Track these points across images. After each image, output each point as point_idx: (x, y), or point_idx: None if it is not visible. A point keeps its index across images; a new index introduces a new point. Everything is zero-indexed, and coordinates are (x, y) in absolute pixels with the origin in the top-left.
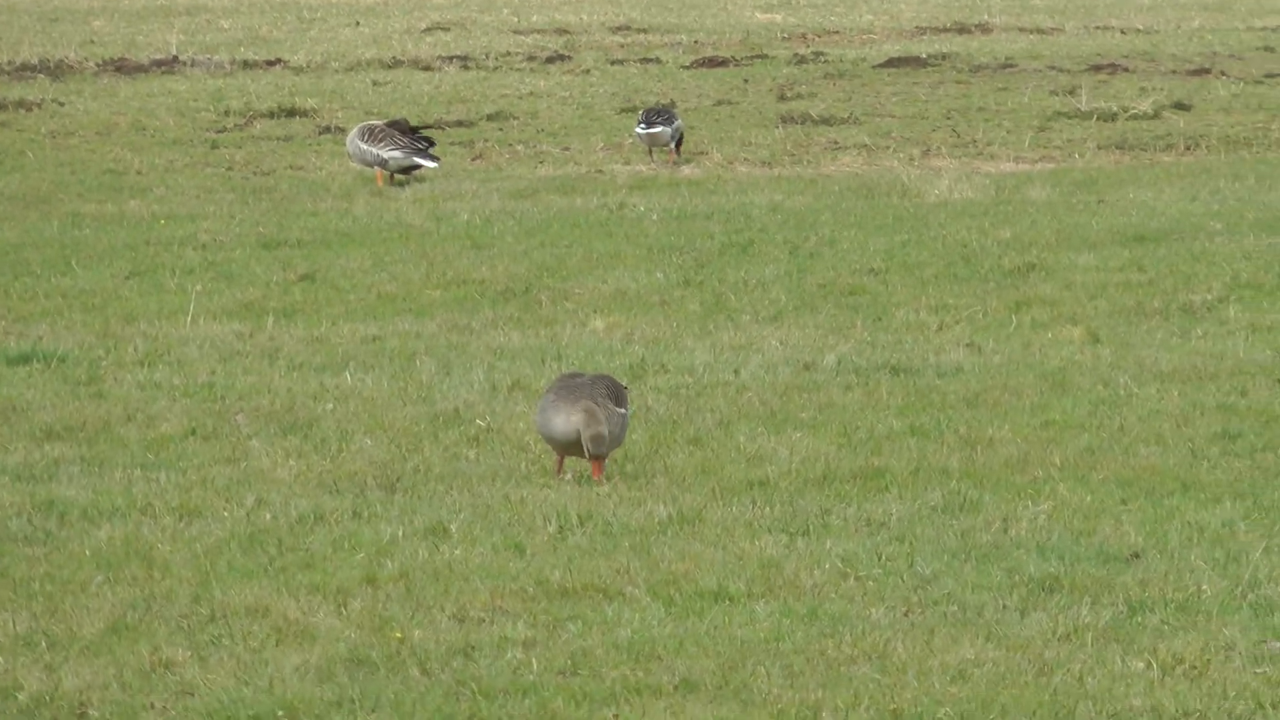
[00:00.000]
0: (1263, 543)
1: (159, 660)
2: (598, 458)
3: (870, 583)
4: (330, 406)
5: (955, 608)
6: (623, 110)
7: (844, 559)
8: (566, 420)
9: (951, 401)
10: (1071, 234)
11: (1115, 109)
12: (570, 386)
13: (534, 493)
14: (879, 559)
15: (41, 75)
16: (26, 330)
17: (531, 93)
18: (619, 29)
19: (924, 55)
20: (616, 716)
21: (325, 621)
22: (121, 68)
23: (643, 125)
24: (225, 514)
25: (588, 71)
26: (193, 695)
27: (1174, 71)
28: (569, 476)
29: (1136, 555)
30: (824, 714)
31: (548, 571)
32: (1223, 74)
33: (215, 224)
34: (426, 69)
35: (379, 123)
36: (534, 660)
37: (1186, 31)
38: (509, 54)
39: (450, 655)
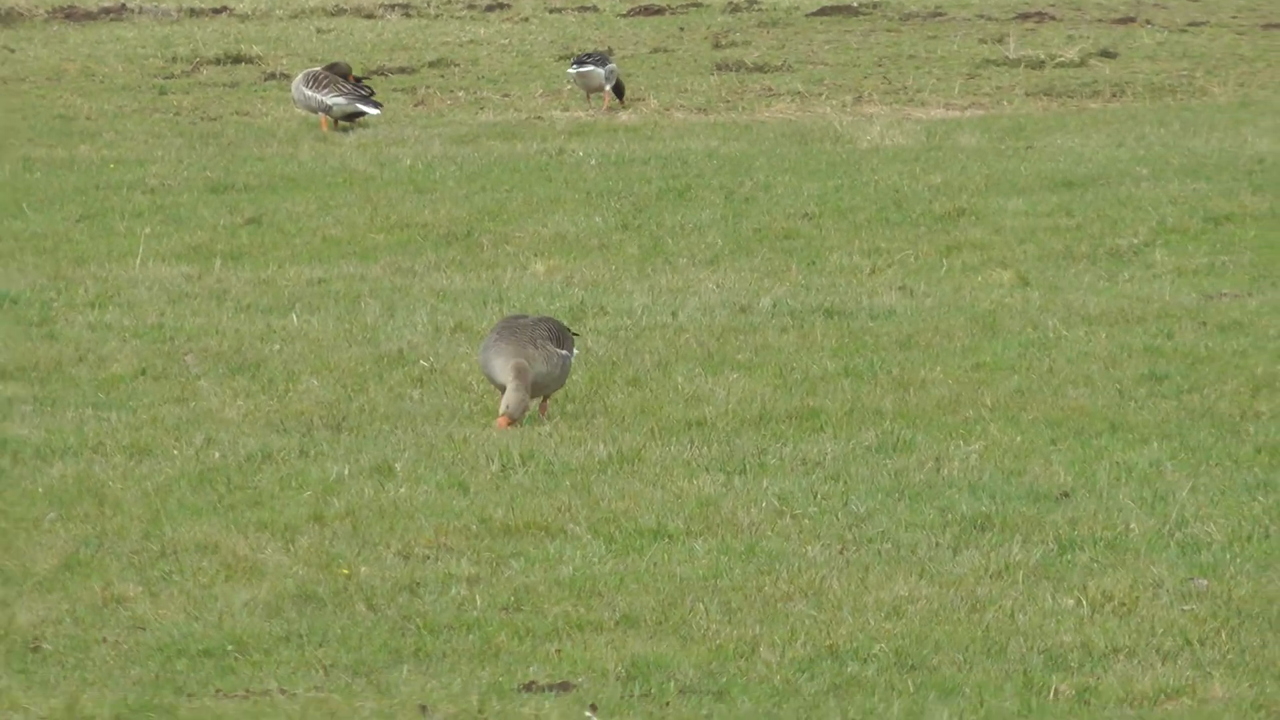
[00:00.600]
0: (1189, 482)
1: (111, 595)
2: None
3: (806, 521)
4: (277, 347)
5: (889, 545)
6: (561, 58)
7: (780, 498)
8: (503, 367)
9: (884, 344)
10: (1001, 180)
11: (1042, 57)
12: (513, 328)
13: (477, 432)
14: (814, 498)
15: None
16: None
17: (472, 40)
18: None
19: (855, 4)
20: (559, 651)
21: (273, 558)
22: (71, 15)
23: (574, 65)
24: (175, 453)
25: (527, 20)
26: (144, 630)
27: (1100, 20)
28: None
29: (1066, 494)
30: (761, 649)
31: (491, 510)
32: (1148, 22)
33: (163, 168)
34: (369, 16)
35: (322, 69)
36: (478, 596)
37: None
38: (450, 2)
39: (396, 591)
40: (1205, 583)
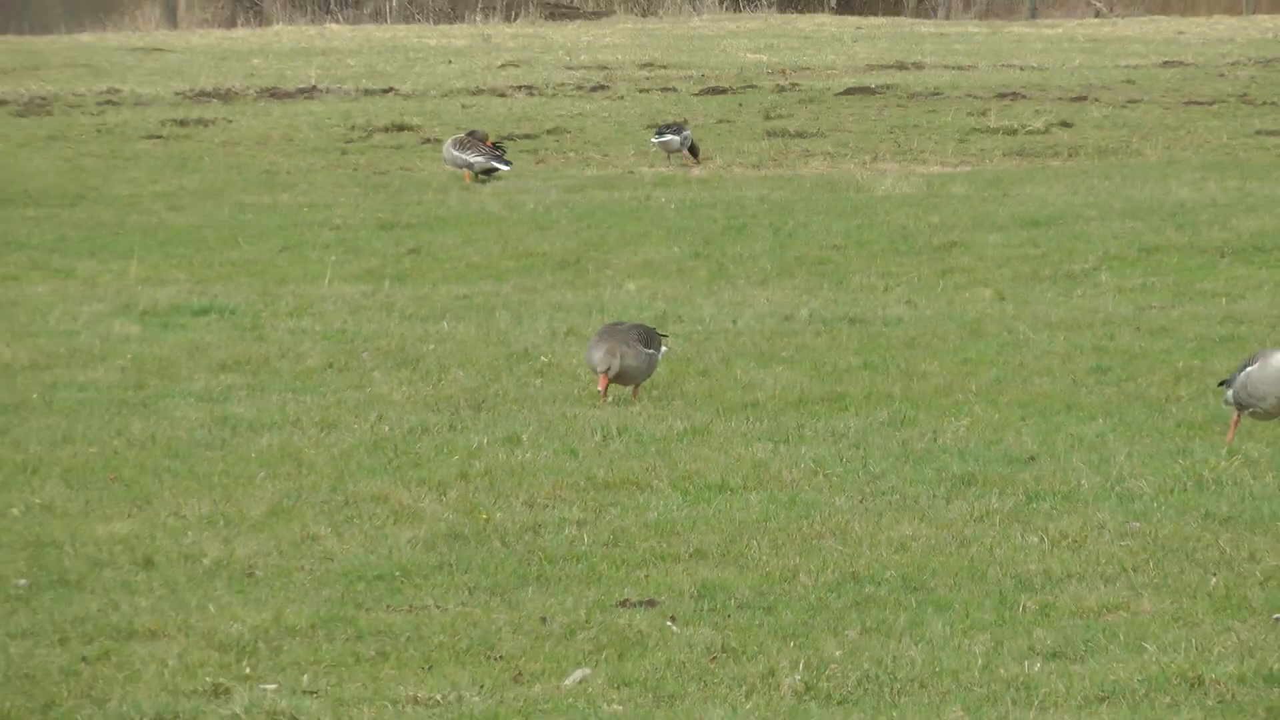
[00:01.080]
0: (1126, 449)
1: (306, 534)
2: (620, 382)
3: (834, 478)
4: (432, 347)
5: (897, 497)
6: (648, 126)
7: (815, 460)
8: (601, 356)
9: (894, 344)
10: (983, 219)
11: (1015, 126)
12: (610, 331)
13: (584, 411)
14: (841, 461)
15: (215, 100)
16: (206, 290)
17: (580, 114)
18: (645, 65)
19: (873, 86)
20: (646, 577)
21: (430, 506)
22: (274, 94)
23: (656, 135)
24: (355, 426)
25: (622, 98)
26: (332, 560)
27: (1060, 98)
28: (610, 400)
29: (1032, 458)
30: (800, 575)
31: (594, 470)
32: (1096, 100)
33: (345, 211)
34: (502, 95)
35: (465, 135)
36: (585, 535)
37: (1069, 68)
38: (563, 84)
39: (522, 531)
40: (1138, 525)
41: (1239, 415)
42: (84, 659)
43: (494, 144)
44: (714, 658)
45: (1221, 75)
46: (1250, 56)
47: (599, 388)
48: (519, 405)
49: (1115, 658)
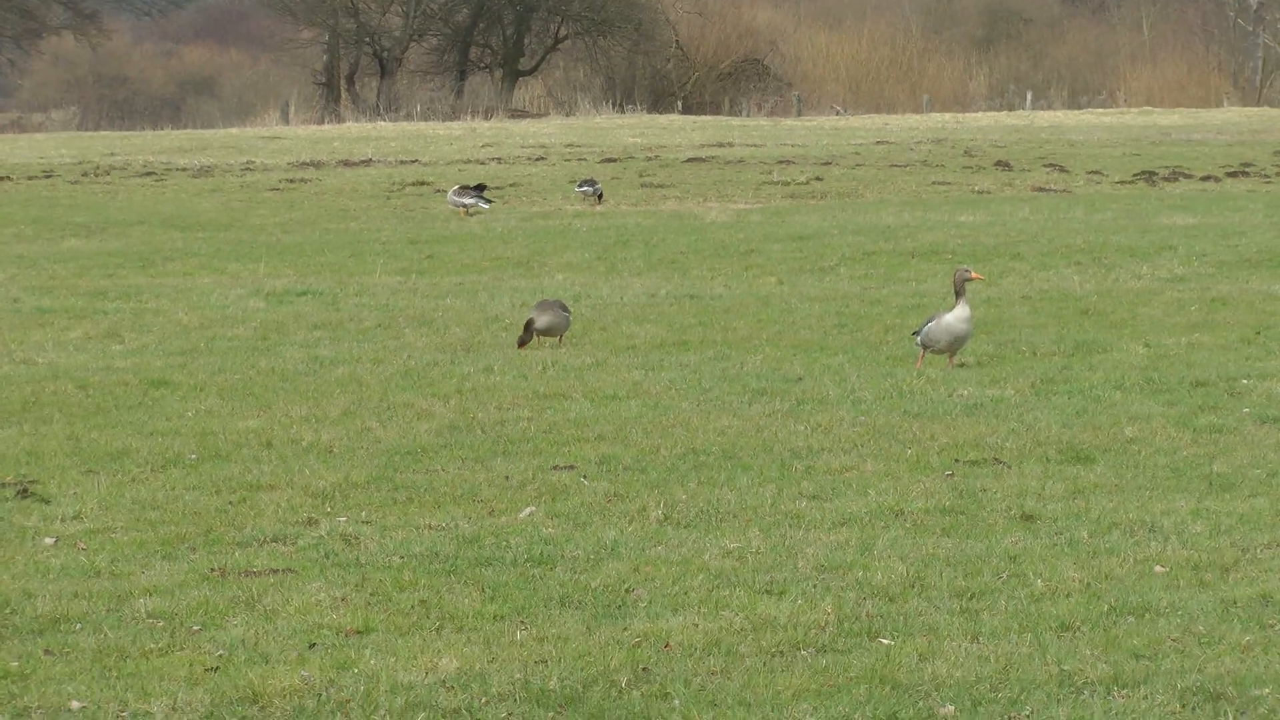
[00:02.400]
0: (856, 372)
1: (364, 426)
2: (550, 334)
3: (681, 391)
4: (440, 313)
5: (719, 402)
6: (570, 181)
7: (669, 381)
8: (539, 313)
9: (717, 311)
10: (770, 235)
11: (789, 180)
12: (543, 302)
13: (530, 352)
14: (685, 381)
15: (311, 167)
16: (304, 280)
17: (529, 174)
18: (568, 145)
19: (704, 156)
20: (569, 451)
21: (438, 409)
22: (347, 164)
23: (578, 185)
24: (393, 361)
25: (553, 165)
26: (379, 442)
27: (815, 163)
28: (540, 345)
29: (800, 378)
30: (661, 450)
31: (538, 386)
32: (837, 164)
33: (388, 233)
34: (482, 163)
35: (461, 186)
36: (531, 426)
37: (821, 145)
38: (518, 157)
39: (494, 424)
40: (864, 418)
41: (924, 353)
42: (230, 502)
43: (481, 189)
44: (609, 500)
45: (911, 149)
46: (929, 138)
47: (528, 331)
48: (493, 349)
49: (850, 499)
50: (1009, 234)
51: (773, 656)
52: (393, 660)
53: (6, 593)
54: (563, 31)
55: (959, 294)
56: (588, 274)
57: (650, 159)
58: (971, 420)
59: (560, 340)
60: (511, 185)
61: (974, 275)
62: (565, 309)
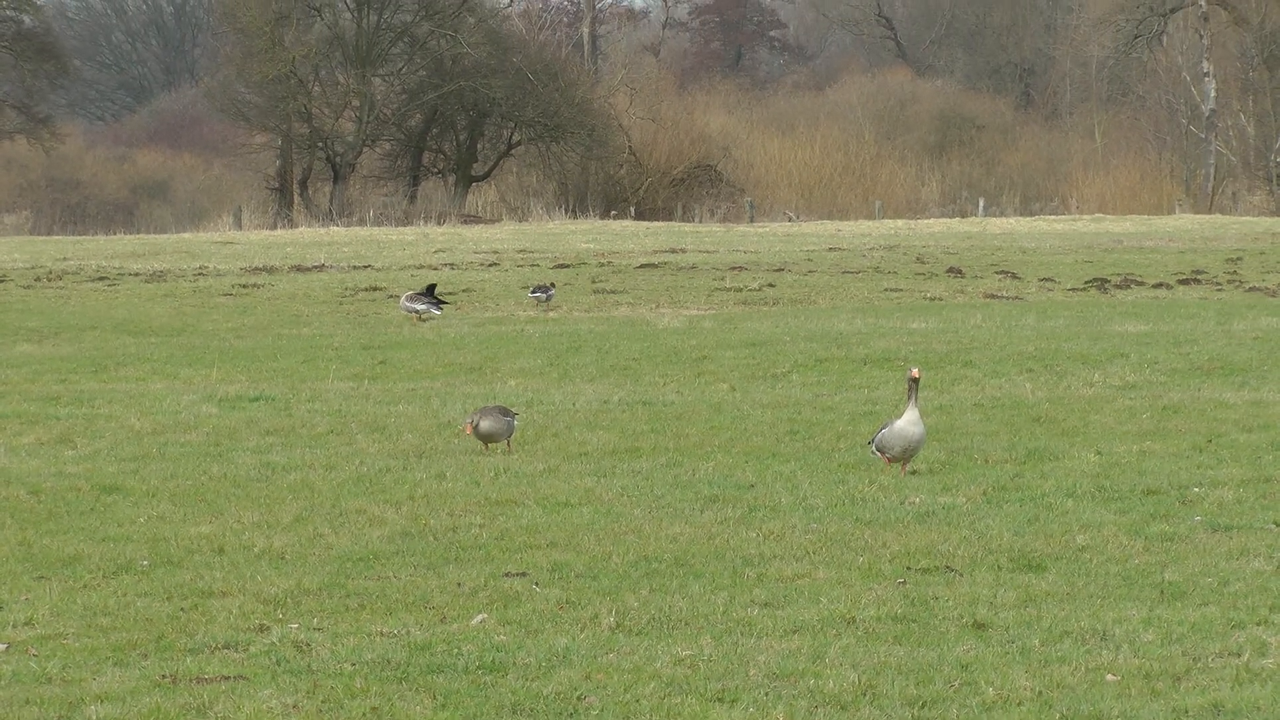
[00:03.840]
0: (808, 479)
1: (316, 533)
2: (492, 439)
3: (633, 498)
4: (393, 420)
5: (671, 509)
6: (523, 287)
7: (621, 488)
8: (481, 418)
9: (669, 417)
10: (722, 342)
11: (741, 286)
12: (486, 408)
13: (482, 458)
14: (637, 488)
15: (264, 272)
16: (256, 386)
17: (481, 280)
18: (520, 251)
19: (656, 262)
20: (521, 558)
21: (390, 515)
22: (299, 269)
23: (532, 291)
24: (346, 467)
25: (506, 270)
26: (331, 548)
27: (767, 269)
28: (486, 449)
29: (752, 485)
30: (613, 557)
31: (489, 493)
32: (789, 270)
33: (341, 338)
34: (434, 269)
35: (414, 291)
36: (483, 533)
37: (773, 252)
38: (471, 262)
39: (446, 531)
40: (816, 526)
41: (885, 458)
42: (182, 609)
43: (431, 286)
44: (561, 607)
45: (864, 256)
46: (881, 245)
47: (466, 431)
48: (445, 455)
49: (802, 606)
50: (961, 341)
51: None
52: None
53: None
54: (516, 137)
55: (909, 397)
56: (540, 380)
57: (603, 265)
58: (923, 528)
59: (509, 446)
60: (465, 290)
61: (914, 372)
62: (507, 414)
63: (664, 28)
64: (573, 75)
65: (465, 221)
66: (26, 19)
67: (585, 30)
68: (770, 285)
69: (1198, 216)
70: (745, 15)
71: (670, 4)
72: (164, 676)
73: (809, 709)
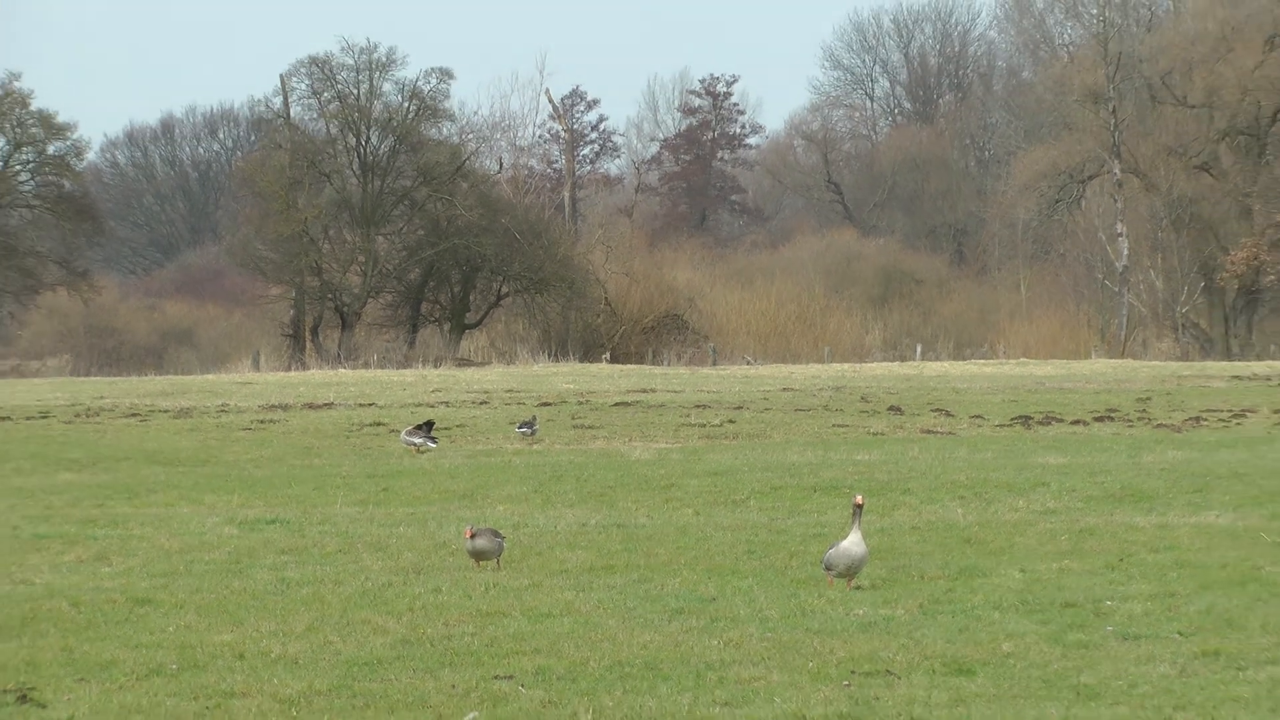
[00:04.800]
0: (764, 593)
1: (326, 640)
2: (484, 558)
3: (608, 610)
4: (394, 540)
5: (642, 619)
6: (510, 422)
7: (598, 601)
8: (475, 538)
9: (640, 538)
10: (689, 472)
11: (705, 422)
12: (480, 529)
13: (475, 574)
14: (611, 601)
15: (279, 409)
16: (272, 510)
17: (473, 416)
18: (508, 390)
19: (629, 401)
20: (508, 662)
21: (392, 625)
22: (311, 406)
23: (519, 427)
24: (352, 582)
25: (495, 408)
26: (340, 654)
27: (728, 407)
28: (482, 566)
29: (714, 599)
30: (590, 662)
31: (480, 605)
32: (748, 408)
33: (348, 468)
34: (431, 406)
35: (413, 427)
36: (475, 640)
37: (733, 391)
38: (464, 401)
39: (441, 639)
40: (770, 635)
41: (830, 576)
42: (206, 708)
43: (430, 429)
44: (544, 706)
45: (814, 395)
46: (830, 385)
47: (466, 534)
48: (441, 571)
49: (758, 706)
50: (900, 471)
51: None
52: None
53: None
54: (504, 290)
55: (854, 521)
56: (525, 505)
57: (581, 403)
58: (866, 636)
59: (498, 563)
60: (458, 426)
61: (858, 499)
62: (498, 535)
63: (636, 192)
64: (555, 234)
65: (459, 364)
66: (67, 183)
67: (566, 194)
68: (731, 421)
69: (1112, 361)
70: (709, 181)
71: (641, 172)
72: None
73: None
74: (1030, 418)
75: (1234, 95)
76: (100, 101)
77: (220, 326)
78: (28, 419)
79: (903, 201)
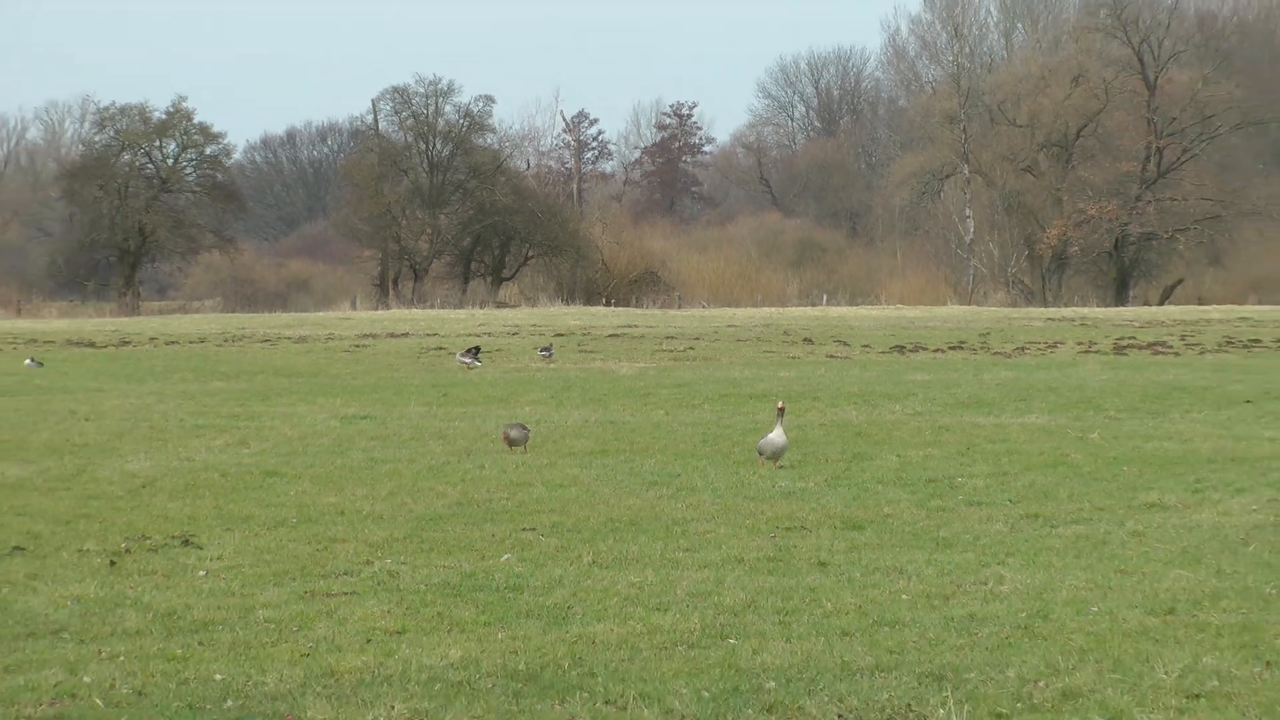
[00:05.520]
0: (714, 470)
1: (398, 495)
2: (517, 444)
3: (612, 477)
4: (451, 431)
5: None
6: (535, 349)
7: (600, 472)
8: (509, 428)
9: (626, 430)
10: (660, 383)
11: (674, 349)
12: (512, 423)
13: (510, 456)
14: (604, 475)
15: (369, 338)
16: (364, 409)
17: (507, 343)
18: (531, 325)
19: (620, 333)
20: (534, 516)
21: (449, 491)
22: (392, 335)
23: (540, 350)
24: (419, 459)
25: (524, 337)
26: (413, 511)
27: (690, 338)
28: (513, 452)
29: (678, 474)
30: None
31: (514, 476)
32: (703, 340)
33: (418, 380)
34: (477, 335)
35: (466, 350)
36: (510, 501)
37: (693, 327)
38: (500, 332)
39: (484, 501)
40: (719, 500)
41: (761, 459)
42: (317, 549)
43: (475, 348)
44: (558, 549)
45: (750, 330)
46: (760, 324)
47: (502, 437)
48: (484, 454)
49: (710, 551)
50: (811, 384)
51: (660, 650)
52: (419, 650)
53: (174, 606)
54: (529, 253)
55: (778, 420)
56: (544, 407)
57: (585, 334)
58: (787, 501)
59: (525, 448)
60: (496, 350)
61: (780, 405)
62: (525, 428)
63: (624, 185)
64: (566, 214)
65: (497, 306)
66: (219, 175)
67: (574, 186)
68: (690, 348)
69: (961, 307)
70: (676, 178)
71: (628, 170)
72: (305, 592)
73: (714, 615)
74: (904, 346)
75: (1049, 118)
76: (244, 115)
77: (328, 278)
78: (190, 343)
79: (814, 192)
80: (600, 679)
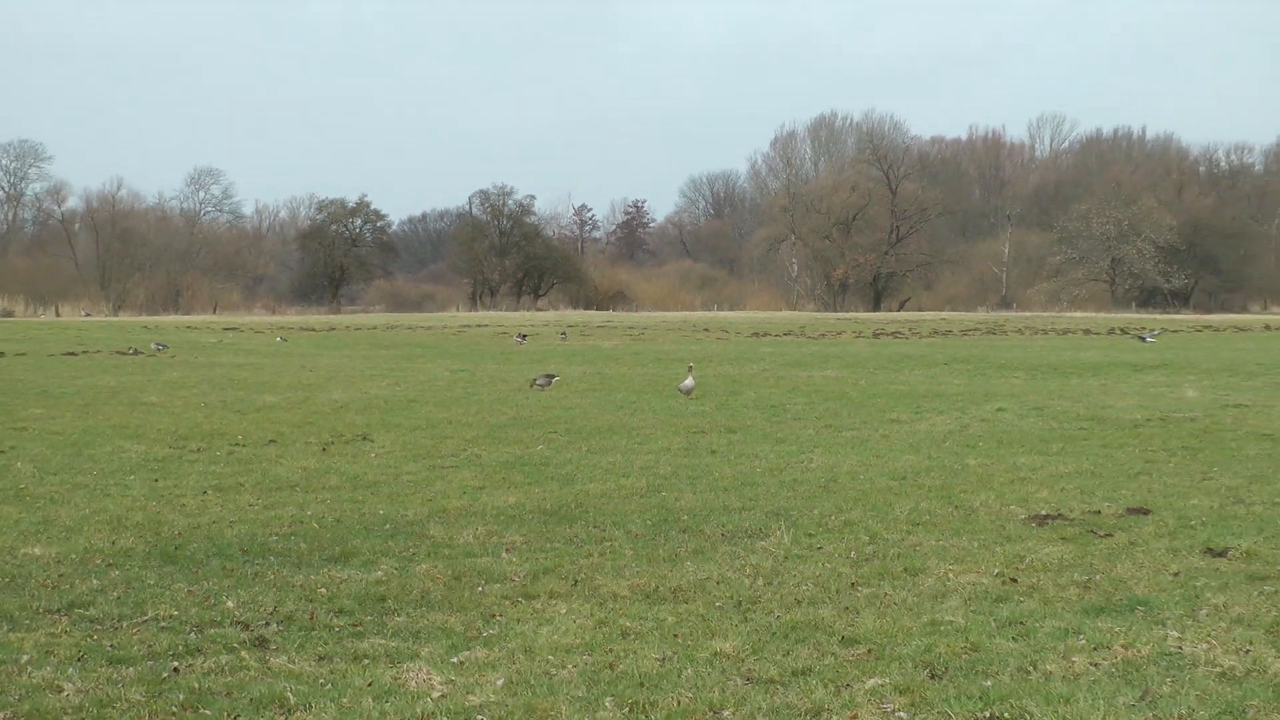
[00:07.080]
0: (657, 401)
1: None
2: (544, 388)
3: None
4: (511, 378)
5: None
6: (557, 334)
7: (591, 404)
8: (540, 377)
9: (606, 378)
10: (625, 352)
11: (634, 335)
12: (544, 374)
13: (539, 394)
14: (593, 405)
15: (466, 327)
16: (466, 366)
17: (541, 331)
18: (554, 320)
19: (603, 325)
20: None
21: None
22: (480, 326)
23: (558, 334)
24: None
25: (550, 327)
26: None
27: (643, 328)
28: (545, 393)
29: (634, 403)
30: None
31: (546, 404)
32: (651, 329)
33: (492, 350)
34: (526, 325)
35: (518, 333)
36: (544, 418)
37: (645, 322)
38: (536, 325)
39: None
40: (658, 418)
41: (681, 393)
42: (437, 439)
43: (523, 334)
44: (570, 443)
45: (676, 325)
46: (682, 322)
47: (539, 384)
48: (529, 394)
49: (653, 443)
50: (709, 353)
51: (624, 498)
52: (492, 498)
53: (357, 472)
54: (554, 280)
55: (689, 373)
56: (561, 365)
57: (584, 325)
58: (695, 418)
59: (551, 388)
60: (534, 334)
61: (690, 365)
62: (551, 376)
63: (606, 244)
64: (574, 259)
65: (536, 310)
66: (384, 237)
67: (579, 244)
68: (642, 334)
69: (790, 312)
70: (634, 240)
71: (608, 236)
72: (433, 465)
73: (654, 480)
74: (759, 333)
75: (838, 209)
76: (398, 199)
77: (444, 294)
78: (368, 329)
79: (708, 248)
80: (591, 514)
